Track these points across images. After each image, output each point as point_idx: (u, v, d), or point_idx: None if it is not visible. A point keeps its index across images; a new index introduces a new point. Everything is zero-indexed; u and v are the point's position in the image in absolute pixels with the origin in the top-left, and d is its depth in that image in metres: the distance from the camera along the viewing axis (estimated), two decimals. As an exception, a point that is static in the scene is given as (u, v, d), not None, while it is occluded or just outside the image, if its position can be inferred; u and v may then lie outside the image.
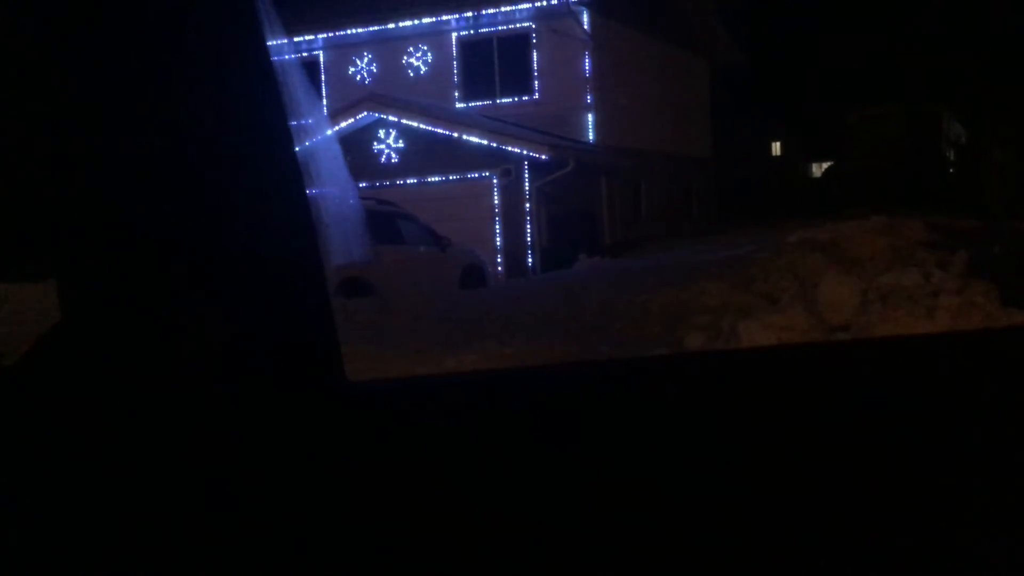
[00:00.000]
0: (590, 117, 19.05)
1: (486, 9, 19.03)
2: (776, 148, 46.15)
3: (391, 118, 17.67)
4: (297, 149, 1.23)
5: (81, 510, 1.12)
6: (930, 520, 1.21)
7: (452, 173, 17.27)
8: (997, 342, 1.89)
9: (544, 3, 18.67)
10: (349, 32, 20.23)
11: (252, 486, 1.15)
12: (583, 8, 18.66)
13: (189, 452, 1.15)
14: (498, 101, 19.37)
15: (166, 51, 1.14)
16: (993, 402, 1.50)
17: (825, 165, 43.31)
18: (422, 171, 17.44)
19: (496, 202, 17.22)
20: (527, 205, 17.10)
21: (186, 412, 1.16)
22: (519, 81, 19.28)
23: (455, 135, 17.23)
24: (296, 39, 19.51)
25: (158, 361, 1.16)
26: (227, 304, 1.19)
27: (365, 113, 17.67)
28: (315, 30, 20.01)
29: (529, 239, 17.12)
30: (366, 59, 20.55)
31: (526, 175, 17.03)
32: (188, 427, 1.16)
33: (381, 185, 16.91)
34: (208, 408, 1.17)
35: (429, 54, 19.93)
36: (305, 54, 20.32)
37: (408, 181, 17.43)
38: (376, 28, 19.98)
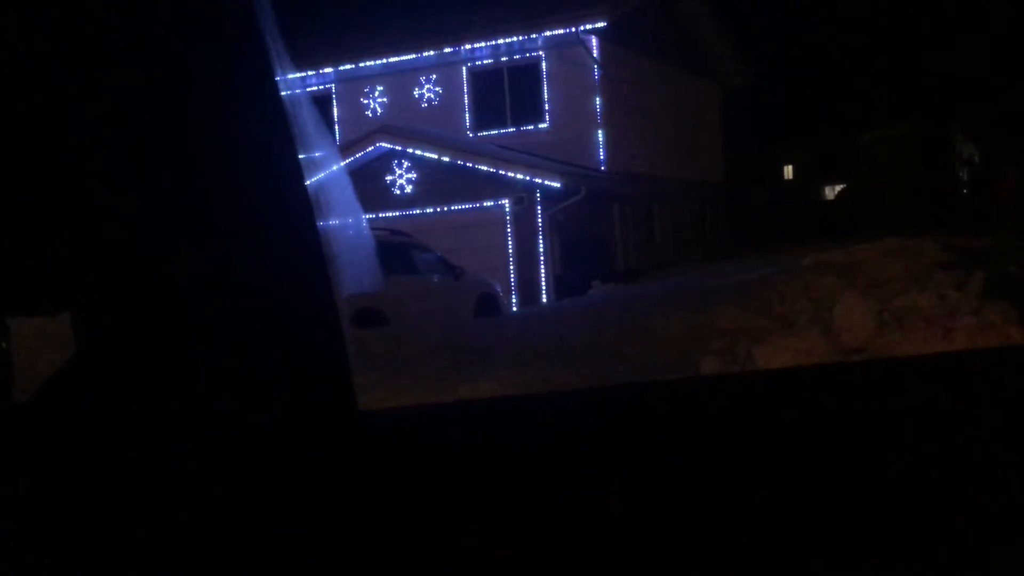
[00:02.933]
0: (601, 144, 19.12)
1: (496, 39, 19.19)
2: (788, 171, 46.13)
3: (403, 149, 17.79)
4: (309, 181, 1.25)
5: (98, 544, 1.12)
6: (945, 540, 1.19)
7: (465, 202, 17.34)
8: (1015, 361, 1.88)
9: (553, 32, 18.81)
10: (360, 65, 20.42)
11: (265, 517, 1.15)
12: (592, 36, 18.79)
13: (203, 484, 1.15)
14: (509, 130, 19.48)
15: (175, 82, 1.16)
16: (1013, 422, 1.49)
17: (838, 188, 43.25)
18: (435, 201, 17.52)
19: (509, 231, 17.27)
20: (540, 233, 17.14)
21: (200, 444, 1.16)
22: (530, 110, 19.40)
23: (467, 165, 17.32)
24: (308, 72, 19.72)
25: (171, 394, 1.16)
26: (239, 336, 1.19)
27: (377, 144, 17.79)
28: (327, 63, 20.21)
29: (543, 267, 17.15)
30: (377, 91, 20.73)
31: (538, 203, 17.08)
32: (202, 459, 1.16)
33: (394, 216, 17.01)
34: (221, 440, 1.17)
35: (440, 85, 20.08)
36: (317, 87, 20.51)
37: (421, 211, 17.51)
38: (387, 61, 20.16)
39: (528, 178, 16.97)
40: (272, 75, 1.26)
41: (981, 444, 1.42)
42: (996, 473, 1.33)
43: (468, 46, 19.41)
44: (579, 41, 18.65)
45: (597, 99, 19.04)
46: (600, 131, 19.10)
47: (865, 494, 1.31)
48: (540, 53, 19.24)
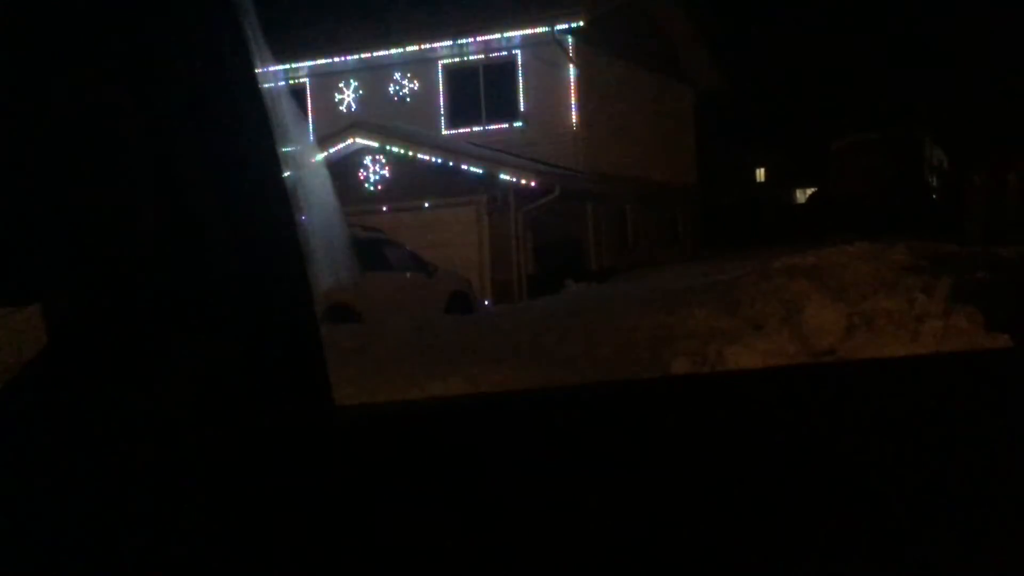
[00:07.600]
0: (576, 144, 19.15)
1: (472, 37, 19.17)
2: (761, 174, 46.43)
3: (377, 145, 17.72)
4: (285, 175, 1.24)
5: (70, 537, 1.11)
6: (912, 544, 1.21)
7: (438, 199, 17.30)
8: (981, 365, 1.91)
9: (529, 31, 18.81)
10: (336, 60, 20.31)
11: (240, 511, 1.15)
12: (568, 36, 18.81)
13: (177, 478, 1.14)
14: (484, 128, 19.45)
15: (151, 74, 1.15)
16: (977, 425, 1.51)
17: (809, 191, 43.58)
18: (408, 198, 17.47)
19: (483, 228, 17.25)
20: (514, 231, 17.14)
21: (173, 440, 1.16)
22: (505, 108, 19.39)
23: (441, 162, 17.29)
24: (284, 67, 19.58)
25: (146, 387, 1.16)
26: (215, 329, 1.19)
27: (352, 140, 17.71)
28: (303, 58, 20.08)
29: (516, 265, 17.15)
30: (353, 86, 20.63)
31: (512, 201, 17.08)
32: (175, 455, 1.15)
33: (368, 212, 16.93)
34: (196, 435, 1.17)
35: (415, 82, 20.03)
36: (293, 81, 20.37)
37: (395, 208, 17.45)
38: (362, 56, 20.07)
39: (503, 176, 16.97)
40: (251, 68, 1.26)
41: (949, 446, 1.44)
42: (965, 474, 1.35)
43: (444, 43, 19.37)
44: (555, 40, 18.66)
45: (572, 99, 19.07)
46: (575, 130, 19.12)
47: (835, 495, 1.32)
48: (516, 51, 19.24)
